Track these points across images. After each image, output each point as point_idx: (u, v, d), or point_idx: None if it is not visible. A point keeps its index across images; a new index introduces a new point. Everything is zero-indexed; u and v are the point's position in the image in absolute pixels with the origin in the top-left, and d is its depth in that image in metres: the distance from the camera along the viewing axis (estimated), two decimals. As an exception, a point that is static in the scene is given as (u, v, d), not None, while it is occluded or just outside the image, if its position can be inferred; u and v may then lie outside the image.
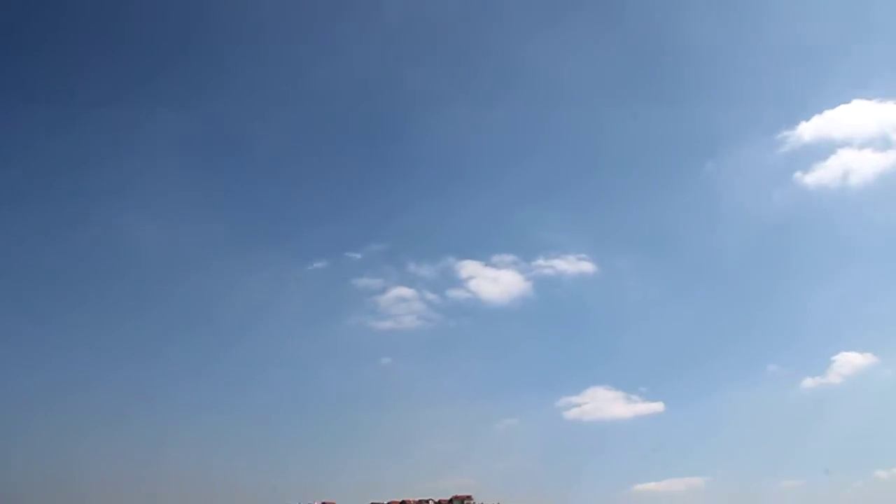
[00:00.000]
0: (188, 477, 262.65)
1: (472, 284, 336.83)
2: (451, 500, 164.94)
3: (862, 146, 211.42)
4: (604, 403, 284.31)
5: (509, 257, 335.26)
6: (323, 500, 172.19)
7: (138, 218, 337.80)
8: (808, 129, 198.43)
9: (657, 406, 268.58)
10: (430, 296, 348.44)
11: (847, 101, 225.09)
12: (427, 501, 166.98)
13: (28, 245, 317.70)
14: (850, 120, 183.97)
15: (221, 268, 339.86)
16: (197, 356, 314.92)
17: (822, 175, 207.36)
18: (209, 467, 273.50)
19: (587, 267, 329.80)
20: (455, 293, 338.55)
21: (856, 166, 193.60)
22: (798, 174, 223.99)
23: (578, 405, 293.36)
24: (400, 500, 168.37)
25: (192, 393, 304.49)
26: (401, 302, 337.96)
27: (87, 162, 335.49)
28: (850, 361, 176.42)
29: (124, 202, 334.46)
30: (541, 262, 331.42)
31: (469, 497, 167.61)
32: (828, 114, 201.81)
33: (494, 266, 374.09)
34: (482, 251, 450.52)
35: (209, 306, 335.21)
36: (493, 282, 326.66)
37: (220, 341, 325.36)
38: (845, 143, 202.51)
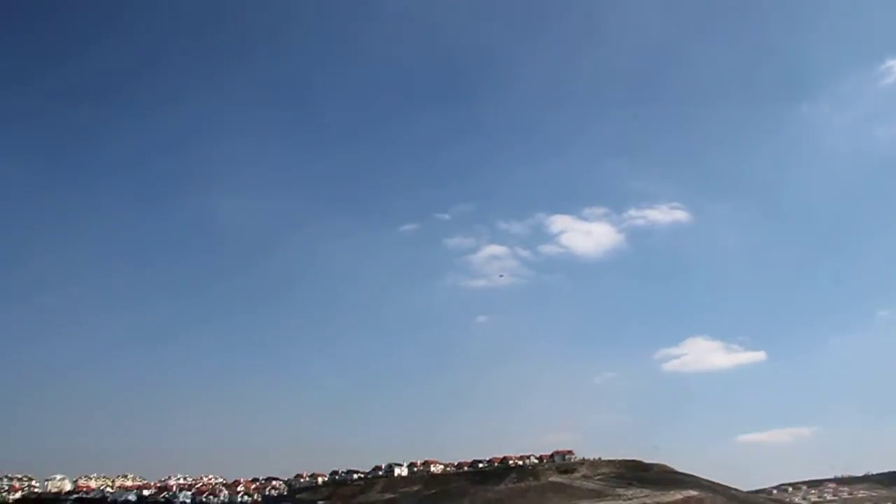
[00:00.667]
0: (289, 437, 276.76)
1: (565, 239, 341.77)
2: (552, 456, 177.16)
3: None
4: (703, 354, 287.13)
5: (600, 209, 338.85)
6: (425, 459, 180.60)
7: (232, 193, 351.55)
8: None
9: (758, 355, 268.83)
10: (522, 252, 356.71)
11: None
12: (528, 457, 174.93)
13: (142, 217, 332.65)
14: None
15: (314, 236, 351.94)
16: (293, 322, 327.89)
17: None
18: (309, 428, 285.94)
19: (681, 216, 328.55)
20: (547, 248, 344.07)
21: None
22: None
23: (677, 356, 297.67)
24: (501, 456, 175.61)
25: (290, 356, 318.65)
26: (493, 260, 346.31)
27: (185, 144, 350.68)
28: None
29: (221, 180, 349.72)
30: (633, 212, 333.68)
31: (570, 452, 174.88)
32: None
33: (586, 219, 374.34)
34: (573, 205, 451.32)
35: (303, 274, 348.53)
36: (586, 235, 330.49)
37: (315, 307, 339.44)
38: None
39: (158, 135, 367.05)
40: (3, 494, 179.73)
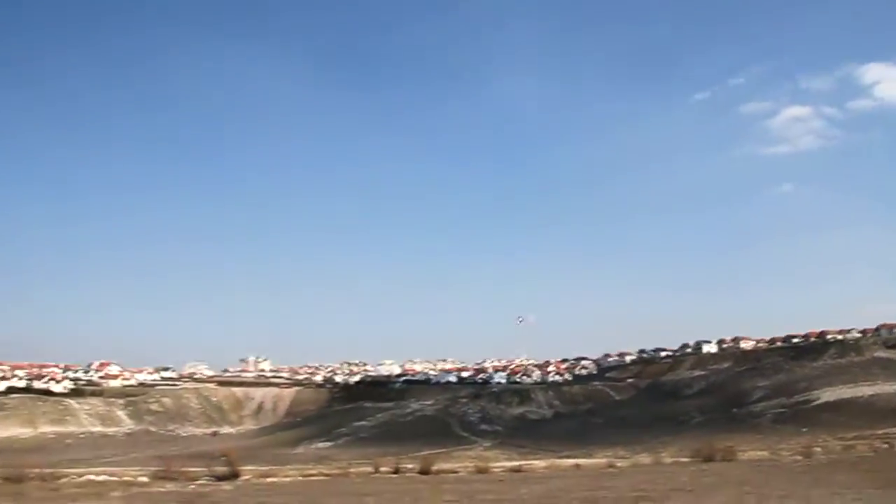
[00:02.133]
0: (596, 317, 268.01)
1: (880, 90, 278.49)
2: (876, 329, 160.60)
3: None
4: None
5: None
6: (735, 335, 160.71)
7: (515, 75, 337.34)
8: None
9: None
10: (828, 111, 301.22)
11: None
12: (849, 331, 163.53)
13: (444, 106, 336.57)
14: None
15: (602, 114, 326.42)
16: (576, 197, 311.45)
17: None
18: (615, 307, 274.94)
19: None
20: (858, 104, 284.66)
21: None
22: None
23: None
24: (818, 330, 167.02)
25: (599, 235, 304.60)
26: (795, 123, 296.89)
27: (473, 35, 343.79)
28: None
29: (511, 67, 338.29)
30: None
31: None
32: None
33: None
34: (890, 50, 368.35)
35: (593, 153, 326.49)
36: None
37: (601, 184, 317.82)
38: None
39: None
40: (346, 377, 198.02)
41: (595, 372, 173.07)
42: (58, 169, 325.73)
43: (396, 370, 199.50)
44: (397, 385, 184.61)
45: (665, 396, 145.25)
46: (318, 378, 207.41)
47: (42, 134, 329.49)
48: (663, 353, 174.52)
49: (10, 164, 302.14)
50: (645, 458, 41.90)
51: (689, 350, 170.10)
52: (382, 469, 57.55)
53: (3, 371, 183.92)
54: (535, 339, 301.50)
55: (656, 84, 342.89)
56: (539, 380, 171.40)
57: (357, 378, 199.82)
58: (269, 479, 55.41)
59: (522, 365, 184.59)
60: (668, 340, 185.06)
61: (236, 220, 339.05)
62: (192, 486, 49.16)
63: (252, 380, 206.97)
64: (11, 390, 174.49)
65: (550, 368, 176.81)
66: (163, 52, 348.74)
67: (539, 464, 53.91)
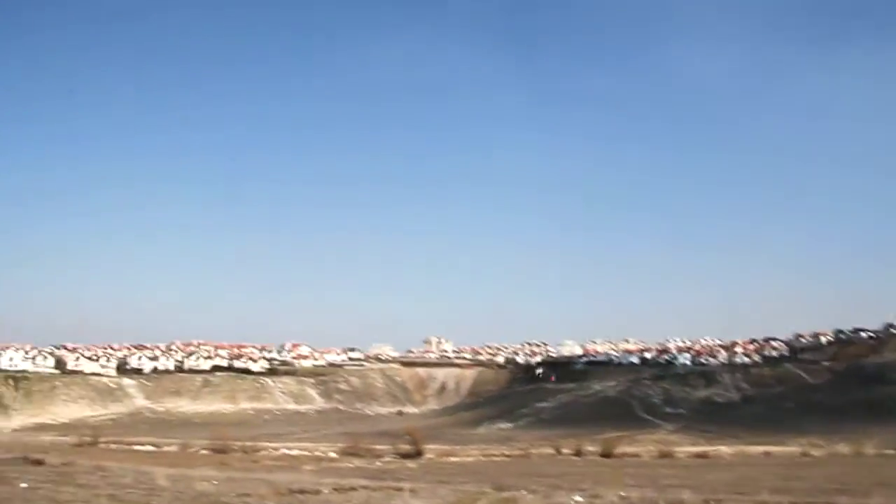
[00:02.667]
0: (787, 295, 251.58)
1: None
2: None
3: None
4: None
5: None
6: None
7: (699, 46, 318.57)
8: None
9: None
10: None
11: None
12: None
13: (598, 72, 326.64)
14: None
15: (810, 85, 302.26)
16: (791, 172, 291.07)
17: None
18: (809, 285, 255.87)
19: None
20: None
21: None
22: None
23: None
24: None
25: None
26: None
27: None
28: None
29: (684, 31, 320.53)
30: None
31: None
32: None
33: None
34: None
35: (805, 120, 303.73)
36: None
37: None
38: None
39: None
40: (527, 358, 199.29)
41: (786, 353, 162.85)
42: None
43: (577, 351, 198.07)
44: (579, 365, 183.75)
45: (867, 381, 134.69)
46: (500, 359, 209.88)
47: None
48: (863, 334, 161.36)
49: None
50: (843, 448, 39.34)
51: (893, 330, 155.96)
52: (564, 451, 57.52)
53: (208, 351, 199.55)
54: (721, 318, 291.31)
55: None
56: (725, 361, 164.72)
57: (538, 359, 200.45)
58: (451, 458, 56.77)
59: (708, 346, 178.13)
60: (866, 320, 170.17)
61: (422, 209, 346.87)
62: (378, 463, 51.33)
63: (435, 360, 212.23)
64: (216, 369, 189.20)
65: (737, 349, 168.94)
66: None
67: (726, 450, 51.88)
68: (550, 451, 67.33)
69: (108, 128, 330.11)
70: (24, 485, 17.17)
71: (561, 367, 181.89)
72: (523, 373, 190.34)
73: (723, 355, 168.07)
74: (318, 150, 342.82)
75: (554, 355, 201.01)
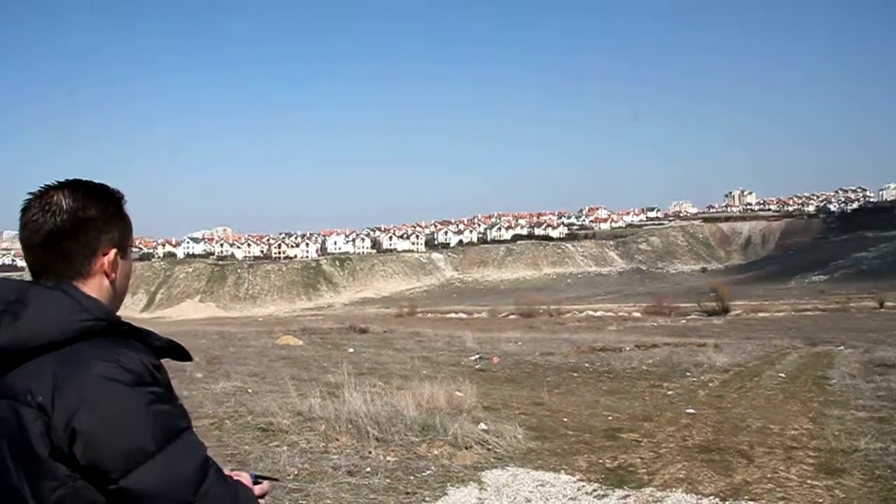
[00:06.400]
0: None
1: None
2: None
3: None
4: None
5: None
6: None
7: None
8: None
9: None
10: None
11: None
12: None
13: None
14: None
15: None
16: None
17: None
18: None
19: None
20: None
21: None
22: None
23: None
24: None
25: None
26: None
27: None
28: None
29: None
30: None
31: None
32: None
33: None
34: None
35: None
36: None
37: None
38: None
39: None
40: (841, 206, 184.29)
41: None
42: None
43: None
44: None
45: None
46: (810, 208, 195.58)
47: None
48: None
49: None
50: None
51: None
52: (888, 304, 53.17)
53: (509, 221, 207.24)
54: None
55: None
56: None
57: (855, 206, 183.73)
58: (759, 314, 54.55)
59: None
60: None
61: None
62: (683, 321, 50.72)
63: (738, 214, 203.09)
64: (517, 238, 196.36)
65: None
66: None
67: None
68: (872, 304, 62.05)
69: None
70: (350, 350, 19.11)
71: (883, 214, 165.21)
72: (837, 221, 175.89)
73: None
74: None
75: (874, 201, 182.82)
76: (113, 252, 1.35)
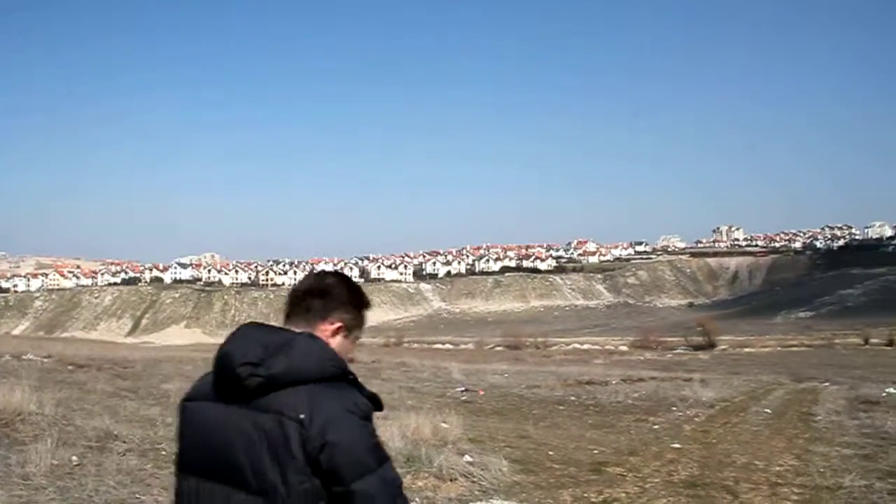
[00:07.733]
0: None
1: None
2: None
3: None
4: None
5: None
6: None
7: None
8: None
9: None
10: None
11: None
12: None
13: None
14: None
15: None
16: None
17: None
18: None
19: None
20: None
21: None
22: None
23: None
24: None
25: None
26: None
27: None
28: None
29: None
30: None
31: None
32: None
33: None
34: None
35: None
36: None
37: None
38: None
39: None
40: (827, 243, 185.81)
41: None
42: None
43: (888, 232, 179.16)
44: (890, 248, 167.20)
45: None
46: (797, 245, 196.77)
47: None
48: None
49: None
50: None
51: None
52: (873, 340, 53.18)
53: (497, 253, 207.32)
54: None
55: None
56: None
57: (841, 243, 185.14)
58: (746, 350, 54.57)
59: None
60: None
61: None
62: (669, 355, 50.57)
63: (725, 249, 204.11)
64: (505, 269, 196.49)
65: None
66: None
67: None
68: (857, 340, 62.36)
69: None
70: (337, 379, 18.96)
71: (868, 251, 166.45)
72: (823, 258, 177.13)
73: None
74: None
75: (859, 238, 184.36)
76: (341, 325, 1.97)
